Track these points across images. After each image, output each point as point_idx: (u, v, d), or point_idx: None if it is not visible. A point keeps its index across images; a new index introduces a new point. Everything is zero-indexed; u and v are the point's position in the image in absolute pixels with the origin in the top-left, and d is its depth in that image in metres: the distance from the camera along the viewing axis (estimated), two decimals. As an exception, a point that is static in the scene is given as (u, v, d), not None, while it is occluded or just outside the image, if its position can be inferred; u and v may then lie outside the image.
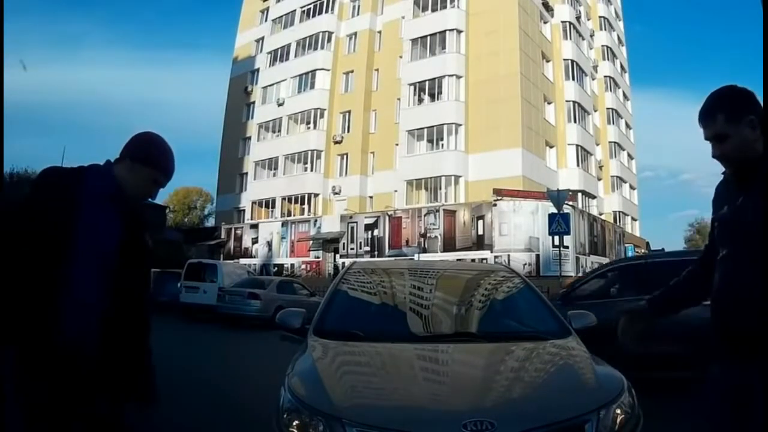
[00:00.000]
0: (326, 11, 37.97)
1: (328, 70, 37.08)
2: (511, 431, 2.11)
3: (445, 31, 32.71)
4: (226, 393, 6.46)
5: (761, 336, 1.84)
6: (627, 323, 2.27)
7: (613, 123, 43.16)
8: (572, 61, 36.72)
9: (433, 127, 31.72)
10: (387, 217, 30.54)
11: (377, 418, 2.21)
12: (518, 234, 26.55)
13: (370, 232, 30.88)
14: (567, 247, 22.47)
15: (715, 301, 2.09)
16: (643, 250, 44.79)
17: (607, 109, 42.61)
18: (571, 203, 24.66)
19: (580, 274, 26.68)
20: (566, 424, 2.20)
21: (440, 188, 31.05)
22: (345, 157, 35.66)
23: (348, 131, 35.92)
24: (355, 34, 37.23)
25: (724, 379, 1.99)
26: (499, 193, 27.57)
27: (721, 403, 2.01)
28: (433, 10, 33.66)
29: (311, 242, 33.14)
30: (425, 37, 33.25)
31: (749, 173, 1.96)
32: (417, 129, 32.26)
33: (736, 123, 1.93)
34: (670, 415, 4.27)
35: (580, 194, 33.55)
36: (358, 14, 37.62)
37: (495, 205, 27.18)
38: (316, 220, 33.87)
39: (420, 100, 33.17)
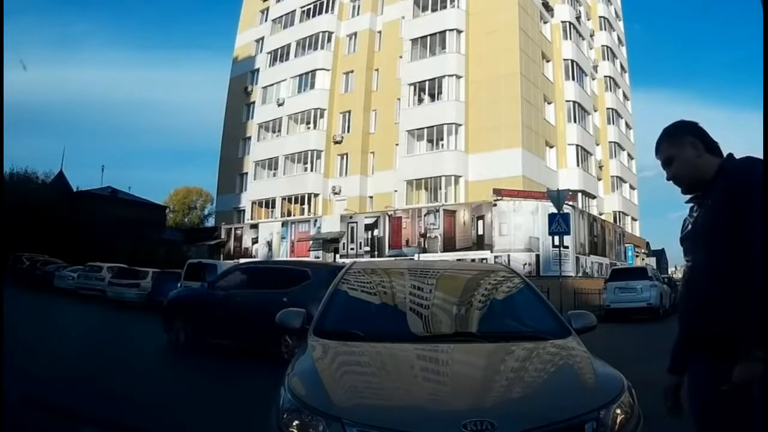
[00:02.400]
0: (326, 11, 37.97)
1: (328, 70, 37.08)
2: (511, 431, 2.12)
3: (445, 31, 32.71)
4: (225, 393, 6.45)
5: (723, 338, 1.98)
6: (670, 397, 2.34)
7: (613, 123, 43.17)
8: (572, 61, 36.73)
9: (433, 127, 31.72)
10: (387, 217, 30.54)
11: (377, 418, 2.20)
12: (518, 234, 26.55)
13: (370, 232, 30.88)
14: (567, 247, 22.48)
15: (681, 308, 2.32)
16: (643, 250, 44.94)
17: (607, 109, 42.62)
18: (571, 203, 24.68)
19: (581, 274, 26.83)
20: (566, 424, 2.20)
21: (440, 188, 31.05)
22: (345, 157, 35.66)
23: (348, 131, 35.92)
24: (355, 34, 37.24)
25: (702, 379, 2.12)
26: (499, 193, 27.58)
27: (700, 402, 2.14)
28: (433, 10, 33.64)
29: (311, 242, 33.14)
30: (425, 37, 33.24)
31: (701, 189, 2.22)
32: (417, 129, 32.26)
33: (678, 145, 2.25)
34: (670, 415, 4.26)
35: (580, 194, 33.57)
36: (358, 14, 37.62)
37: (495, 205, 27.18)
38: (316, 220, 33.87)
39: (420, 100, 33.16)
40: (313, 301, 7.26)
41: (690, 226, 2.28)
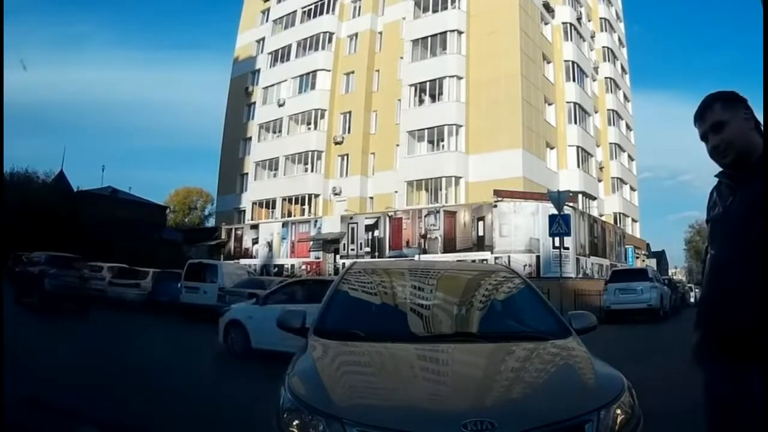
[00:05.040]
0: (327, 12, 37.98)
1: (329, 70, 37.08)
2: (511, 431, 2.11)
3: (445, 32, 32.71)
4: (226, 392, 6.46)
5: (751, 335, 1.86)
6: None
7: (614, 124, 43.15)
8: (573, 62, 36.71)
9: (433, 128, 31.71)
10: (387, 218, 30.52)
11: (377, 418, 2.20)
12: (518, 235, 26.52)
13: (370, 233, 30.86)
14: (567, 249, 22.46)
15: (703, 300, 2.18)
16: (643, 252, 44.92)
17: (608, 110, 42.60)
18: (571, 204, 24.65)
19: (581, 276, 26.82)
20: (566, 424, 2.20)
21: (441, 189, 31.04)
22: (345, 157, 35.66)
23: (348, 132, 35.92)
24: (356, 34, 37.24)
25: (719, 378, 2.02)
26: (499, 194, 27.55)
27: (717, 402, 2.04)
28: (434, 11, 33.65)
29: (311, 243, 33.13)
30: (426, 38, 33.24)
31: (742, 169, 2.02)
32: (417, 130, 32.26)
33: (732, 111, 2.03)
34: (671, 415, 4.26)
35: (580, 195, 33.52)
36: (359, 15, 37.62)
37: (495, 206, 27.15)
38: (316, 221, 33.86)
39: (420, 101, 33.16)
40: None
41: (718, 210, 2.11)
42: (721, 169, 2.13)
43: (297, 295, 9.89)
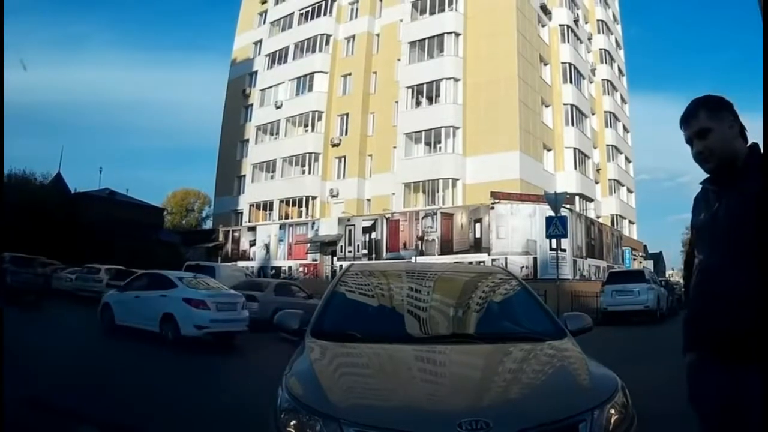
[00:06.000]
0: (324, 14, 38.03)
1: (326, 72, 37.11)
2: (506, 431, 2.14)
3: (443, 34, 32.77)
4: (224, 393, 6.47)
5: (747, 337, 1.89)
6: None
7: (611, 126, 43.24)
8: (570, 64, 36.79)
9: (430, 130, 31.76)
10: (385, 220, 30.55)
11: (374, 418, 2.22)
12: (516, 237, 26.57)
13: (367, 235, 30.88)
14: (564, 250, 22.51)
15: (693, 306, 2.19)
16: (640, 253, 45.00)
17: (605, 112, 42.67)
18: (568, 206, 24.70)
19: (578, 278, 26.88)
20: (561, 424, 2.22)
21: (438, 191, 31.08)
22: (343, 159, 35.69)
23: (346, 134, 35.94)
24: (354, 36, 37.29)
25: (710, 380, 2.05)
26: (496, 196, 27.59)
27: (714, 404, 2.05)
28: (431, 13, 33.72)
29: (309, 245, 33.13)
30: (423, 40, 33.31)
31: (727, 176, 2.07)
32: (415, 132, 32.30)
33: (717, 119, 2.07)
34: (665, 416, 4.29)
35: (577, 197, 33.61)
36: (356, 17, 37.68)
37: (492, 208, 27.20)
38: (313, 223, 33.86)
39: (418, 103, 33.22)
40: None
41: (704, 216, 2.14)
42: (705, 177, 2.17)
43: (147, 284, 12.59)
